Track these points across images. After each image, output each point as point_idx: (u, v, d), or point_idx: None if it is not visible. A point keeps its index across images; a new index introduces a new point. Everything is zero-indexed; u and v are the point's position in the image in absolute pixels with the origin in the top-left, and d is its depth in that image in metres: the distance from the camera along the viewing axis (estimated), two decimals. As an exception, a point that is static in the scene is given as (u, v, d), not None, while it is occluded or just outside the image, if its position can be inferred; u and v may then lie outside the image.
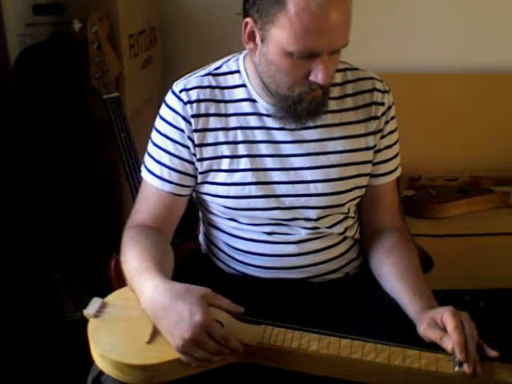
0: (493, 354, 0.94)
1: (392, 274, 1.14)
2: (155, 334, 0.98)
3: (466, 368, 0.91)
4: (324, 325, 0.99)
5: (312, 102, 1.06)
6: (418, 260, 1.17)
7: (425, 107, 2.30)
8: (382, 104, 1.18)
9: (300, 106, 1.06)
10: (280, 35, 1.00)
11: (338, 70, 1.17)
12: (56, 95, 1.82)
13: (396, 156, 1.23)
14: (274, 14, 0.99)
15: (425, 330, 0.99)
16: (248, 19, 1.05)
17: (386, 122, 1.19)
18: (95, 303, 1.06)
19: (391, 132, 1.20)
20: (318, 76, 1.01)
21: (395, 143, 1.22)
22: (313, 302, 1.16)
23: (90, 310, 1.04)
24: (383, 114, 1.18)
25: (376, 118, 1.17)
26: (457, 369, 0.92)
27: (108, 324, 1.03)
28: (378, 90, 1.18)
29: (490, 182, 2.23)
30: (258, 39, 1.05)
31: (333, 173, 1.15)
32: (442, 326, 0.96)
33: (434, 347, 0.96)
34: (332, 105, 1.15)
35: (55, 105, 1.83)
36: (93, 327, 1.02)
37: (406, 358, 0.93)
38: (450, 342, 0.93)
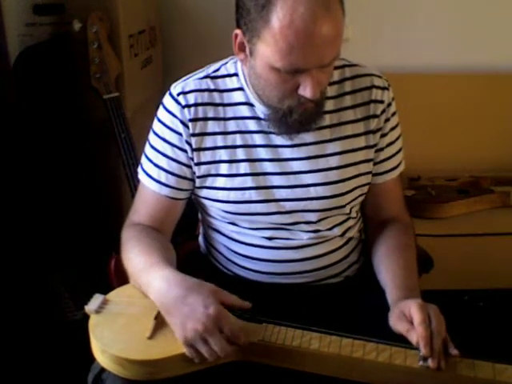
0: (454, 352, 0.94)
1: (381, 266, 1.16)
2: (157, 329, 0.99)
3: (430, 363, 0.91)
4: (324, 327, 0.99)
5: (304, 113, 1.04)
6: (411, 253, 1.17)
7: (425, 107, 2.30)
8: (382, 102, 1.16)
9: (291, 118, 1.05)
10: (266, 51, 0.98)
11: (336, 68, 1.15)
12: (56, 95, 1.81)
13: (399, 151, 1.22)
14: (259, 29, 0.97)
15: (394, 322, 1.00)
16: (237, 31, 1.03)
17: (387, 120, 1.17)
18: (97, 299, 1.07)
19: (393, 128, 1.19)
20: (306, 91, 0.99)
21: (397, 139, 1.21)
22: (312, 306, 1.16)
23: (91, 306, 1.05)
24: (383, 112, 1.16)
25: (375, 116, 1.15)
26: (421, 363, 0.92)
27: (109, 320, 1.03)
28: (377, 87, 1.16)
29: (490, 182, 2.23)
30: (247, 51, 1.03)
31: (333, 175, 1.14)
32: (410, 319, 0.96)
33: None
34: (330, 105, 1.14)
35: (55, 105, 1.82)
36: (94, 323, 1.02)
37: (407, 358, 0.93)
38: (416, 336, 0.93)
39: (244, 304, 1.00)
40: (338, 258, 1.21)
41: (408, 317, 0.97)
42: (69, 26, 1.71)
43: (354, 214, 1.22)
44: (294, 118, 1.04)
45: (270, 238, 1.17)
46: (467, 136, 2.35)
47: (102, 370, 1.01)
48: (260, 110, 1.12)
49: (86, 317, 1.05)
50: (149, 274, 1.03)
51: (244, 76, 1.14)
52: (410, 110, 2.16)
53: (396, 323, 0.99)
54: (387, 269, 1.14)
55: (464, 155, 2.34)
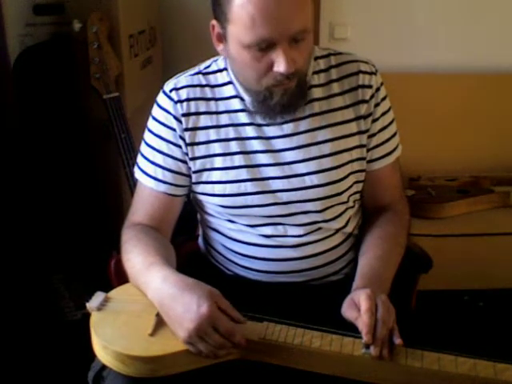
0: (397, 341, 0.94)
1: (360, 256, 1.17)
2: (158, 326, 0.99)
3: (371, 350, 0.92)
4: (325, 326, 0.99)
5: (284, 94, 1.05)
6: (393, 243, 1.17)
7: (425, 107, 2.30)
8: (370, 87, 1.16)
9: (272, 101, 1.06)
10: (234, 30, 1.01)
11: (322, 57, 1.17)
12: (56, 95, 1.82)
13: (393, 136, 1.21)
14: (225, 12, 1.01)
15: (344, 309, 1.01)
16: (213, 21, 1.07)
17: (377, 105, 1.17)
18: (98, 297, 1.07)
19: (384, 113, 1.18)
20: (279, 66, 1.00)
21: (390, 123, 1.20)
22: (313, 305, 1.15)
23: (92, 304, 1.05)
24: (372, 96, 1.16)
25: (364, 101, 1.15)
26: (363, 351, 0.93)
27: (111, 317, 1.03)
28: (364, 72, 1.16)
29: (490, 182, 2.23)
30: (223, 39, 1.06)
31: (326, 162, 1.14)
32: (359, 308, 0.98)
33: (435, 347, 0.96)
34: (318, 93, 1.15)
35: (55, 105, 1.83)
36: (95, 320, 1.02)
37: (408, 357, 0.93)
38: (361, 324, 0.95)
39: (238, 316, 0.97)
40: (336, 256, 1.21)
41: (357, 305, 0.99)
42: (69, 26, 1.71)
43: (351, 204, 1.21)
44: (275, 100, 1.05)
45: (267, 236, 1.17)
46: (467, 136, 2.35)
47: (103, 367, 1.01)
48: (248, 102, 1.13)
49: (86, 317, 1.05)
50: (147, 274, 1.04)
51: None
52: (410, 109, 2.18)
53: (346, 311, 1.01)
54: (363, 258, 1.15)
55: (464, 155, 2.34)
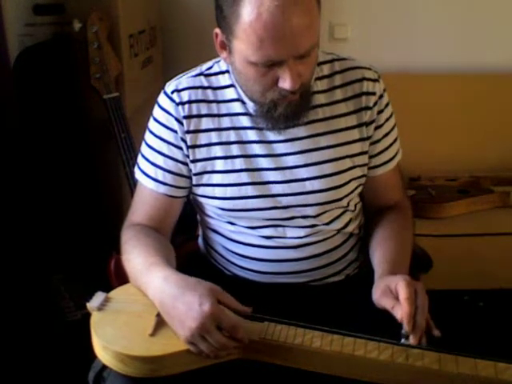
0: (436, 332, 0.95)
1: (377, 245, 1.17)
2: (158, 326, 0.99)
3: (411, 340, 0.93)
4: (325, 326, 0.99)
5: (288, 106, 1.05)
6: (407, 234, 1.19)
7: (425, 107, 2.30)
8: (374, 93, 1.16)
9: (276, 112, 1.05)
10: (240, 46, 1.00)
11: (326, 62, 1.17)
12: (56, 95, 1.81)
13: (395, 141, 1.22)
14: (232, 26, 0.99)
15: (379, 297, 1.01)
16: (217, 30, 1.06)
17: (380, 112, 1.17)
18: (99, 297, 1.07)
19: (387, 119, 1.19)
20: (285, 83, 1.00)
21: (392, 129, 1.21)
22: (314, 306, 1.15)
23: (93, 304, 1.05)
24: (375, 103, 1.16)
25: (368, 108, 1.15)
26: (403, 340, 0.93)
27: (111, 317, 1.03)
28: (368, 79, 1.16)
29: (490, 182, 2.23)
30: (227, 48, 1.05)
31: (328, 168, 1.14)
32: (396, 295, 0.97)
33: (436, 346, 0.96)
34: (321, 98, 1.14)
35: (55, 105, 1.82)
36: (96, 320, 1.02)
37: (409, 356, 0.93)
38: (400, 312, 0.94)
39: (242, 308, 0.99)
40: (337, 257, 1.21)
41: (394, 292, 0.98)
42: (69, 26, 1.71)
43: (351, 207, 1.22)
44: (279, 111, 1.05)
45: (268, 237, 1.17)
46: (467, 136, 2.35)
47: (103, 367, 1.02)
48: (250, 106, 1.12)
49: (86, 317, 1.05)
50: (148, 274, 1.04)
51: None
52: (410, 109, 2.18)
53: (381, 299, 1.00)
54: (381, 246, 1.16)
55: (464, 155, 2.34)
